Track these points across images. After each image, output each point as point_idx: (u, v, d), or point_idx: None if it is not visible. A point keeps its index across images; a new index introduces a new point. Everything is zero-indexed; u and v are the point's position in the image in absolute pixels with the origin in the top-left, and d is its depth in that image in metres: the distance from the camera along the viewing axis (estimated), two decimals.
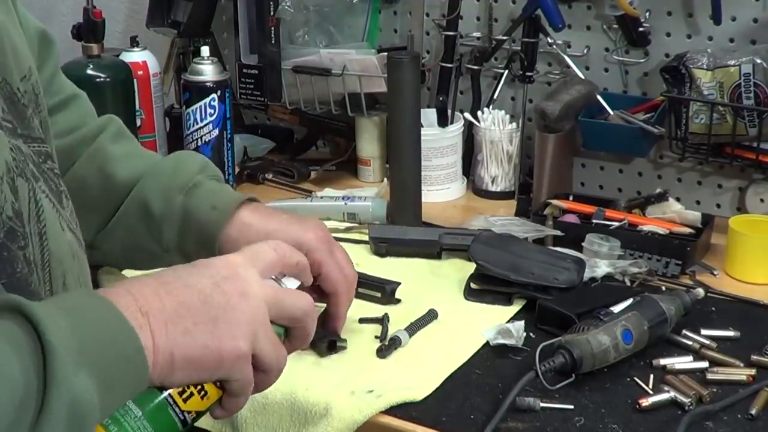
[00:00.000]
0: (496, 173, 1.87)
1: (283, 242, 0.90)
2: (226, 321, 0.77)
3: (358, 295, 1.38)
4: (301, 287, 0.93)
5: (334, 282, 1.14)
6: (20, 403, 0.62)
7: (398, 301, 1.42)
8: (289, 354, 0.86)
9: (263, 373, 0.82)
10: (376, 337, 1.33)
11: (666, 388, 1.20)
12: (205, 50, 1.83)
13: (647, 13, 1.73)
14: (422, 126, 1.71)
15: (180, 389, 0.78)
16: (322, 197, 1.80)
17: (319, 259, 1.11)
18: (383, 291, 1.42)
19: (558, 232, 1.59)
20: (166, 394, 0.78)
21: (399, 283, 1.44)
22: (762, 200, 1.72)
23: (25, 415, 0.63)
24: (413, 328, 1.34)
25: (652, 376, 1.23)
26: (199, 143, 1.82)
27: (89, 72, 1.85)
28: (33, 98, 0.87)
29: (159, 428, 0.78)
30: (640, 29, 1.74)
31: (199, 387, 0.79)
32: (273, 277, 0.89)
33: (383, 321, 1.36)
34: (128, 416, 0.76)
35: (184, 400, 0.79)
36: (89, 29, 1.86)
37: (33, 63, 0.90)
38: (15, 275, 0.75)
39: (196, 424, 0.82)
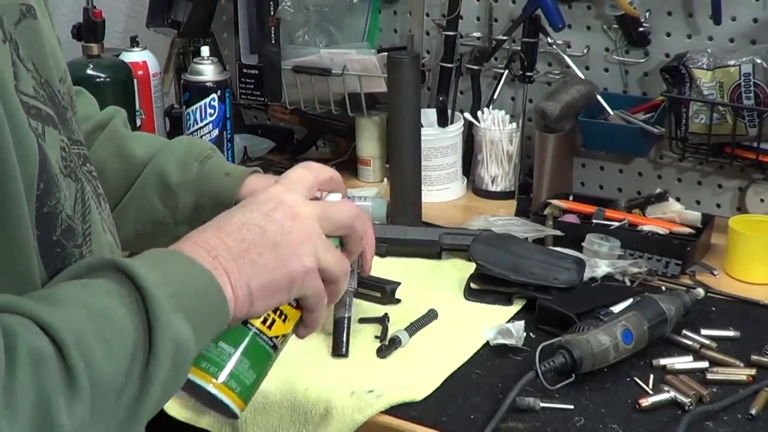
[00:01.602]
0: (496, 173, 1.87)
1: (312, 162, 0.96)
2: (286, 244, 0.83)
3: (358, 295, 1.38)
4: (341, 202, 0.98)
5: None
6: (134, 348, 0.68)
7: (398, 301, 1.42)
8: (351, 262, 0.91)
9: (332, 284, 0.87)
10: (376, 337, 1.33)
11: (666, 388, 1.20)
12: (205, 50, 1.83)
13: (647, 13, 1.73)
14: (422, 126, 1.71)
15: (262, 319, 0.84)
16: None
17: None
18: (383, 291, 1.42)
19: (558, 232, 1.59)
20: (252, 327, 0.84)
21: (399, 283, 1.44)
22: (762, 200, 1.72)
23: (138, 358, 0.68)
24: (413, 328, 1.34)
25: (652, 376, 1.23)
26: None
27: (89, 72, 1.85)
28: (69, 100, 0.88)
29: (254, 360, 0.83)
30: (640, 29, 1.74)
31: (278, 312, 0.85)
32: (315, 196, 0.94)
33: (383, 321, 1.36)
34: (223, 354, 0.82)
35: (269, 327, 0.84)
36: (89, 29, 1.86)
37: (65, 64, 0.90)
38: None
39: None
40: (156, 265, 0.75)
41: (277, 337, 0.85)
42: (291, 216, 0.85)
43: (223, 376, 0.82)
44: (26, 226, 0.72)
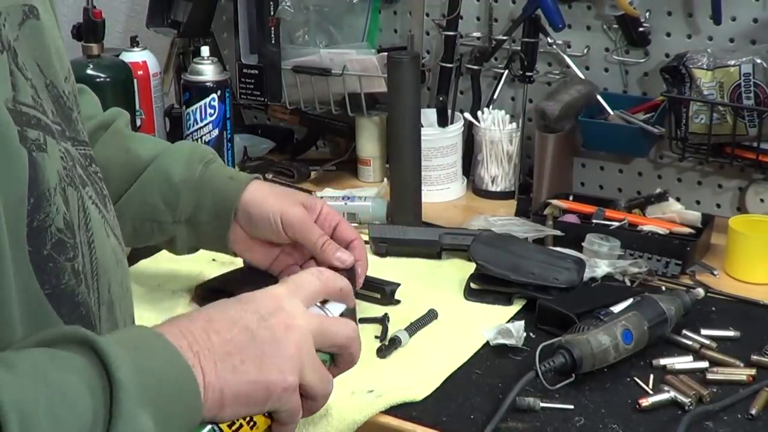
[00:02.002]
0: (496, 173, 1.87)
1: (326, 269, 0.93)
2: (272, 356, 0.79)
3: (358, 296, 1.38)
4: (346, 311, 0.95)
5: (351, 231, 1.27)
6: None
7: (398, 302, 1.42)
8: (335, 377, 0.89)
9: (311, 401, 0.84)
10: (376, 337, 1.33)
11: (666, 388, 1.20)
12: (205, 50, 1.83)
13: (647, 13, 1.73)
14: (422, 126, 1.71)
15: (229, 422, 0.79)
16: (322, 197, 1.80)
17: (333, 215, 1.27)
18: (383, 292, 1.42)
19: (558, 232, 1.58)
20: (216, 427, 0.78)
21: (398, 285, 1.44)
22: (762, 200, 1.72)
23: None
24: (413, 328, 1.34)
25: (652, 376, 1.23)
26: (199, 143, 1.82)
27: (89, 72, 1.85)
28: (74, 99, 0.87)
29: None
30: (640, 29, 1.74)
31: (248, 419, 0.80)
32: (318, 304, 0.90)
33: (383, 321, 1.36)
34: None
35: None
36: (89, 29, 1.86)
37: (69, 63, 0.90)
38: (60, 286, 0.75)
39: None
40: (135, 349, 0.72)
41: None
42: (285, 326, 0.82)
43: None
44: (5, 245, 0.69)
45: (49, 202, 0.74)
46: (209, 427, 0.78)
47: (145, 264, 1.52)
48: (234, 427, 0.80)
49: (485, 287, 1.46)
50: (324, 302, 0.92)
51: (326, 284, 0.91)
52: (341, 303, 0.94)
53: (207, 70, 1.80)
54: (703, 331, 1.33)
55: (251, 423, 0.81)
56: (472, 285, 1.47)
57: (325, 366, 0.87)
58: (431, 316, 1.38)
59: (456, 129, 1.88)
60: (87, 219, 0.80)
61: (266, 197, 1.25)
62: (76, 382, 0.66)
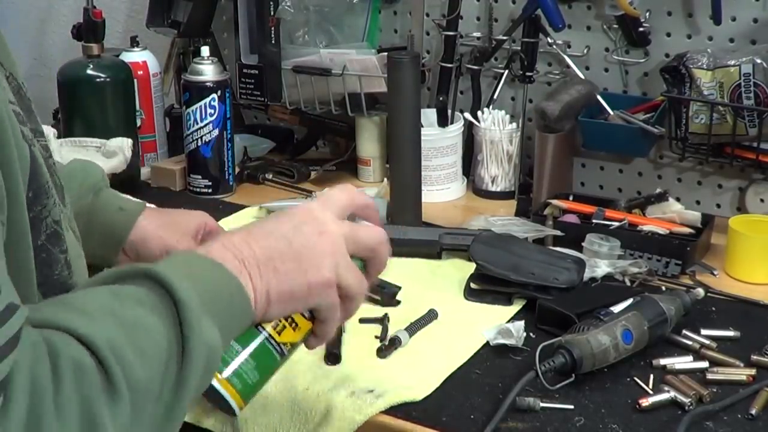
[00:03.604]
0: (496, 173, 1.87)
1: (351, 185, 0.98)
2: (309, 257, 0.85)
3: None
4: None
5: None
6: (167, 356, 0.71)
7: (398, 302, 1.42)
8: (369, 285, 0.93)
9: (348, 300, 0.89)
10: (376, 337, 1.33)
11: (666, 388, 1.20)
12: (205, 50, 1.83)
13: (647, 13, 1.73)
14: (422, 126, 1.71)
15: (273, 324, 0.86)
16: None
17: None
18: (382, 295, 1.41)
19: (558, 232, 1.59)
20: (263, 331, 0.86)
21: (399, 288, 1.44)
22: (762, 200, 1.72)
23: (172, 365, 0.72)
24: (413, 328, 1.34)
25: (652, 376, 1.23)
26: (199, 143, 1.82)
27: (89, 72, 1.85)
28: (26, 89, 0.89)
29: (260, 362, 0.86)
30: (640, 29, 1.74)
31: (290, 320, 0.87)
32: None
33: (383, 321, 1.36)
34: (230, 351, 0.84)
35: (279, 333, 0.87)
36: (89, 29, 1.86)
37: None
38: (53, 277, 0.79)
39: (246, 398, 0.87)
40: (187, 271, 0.78)
41: (285, 344, 0.88)
42: (318, 231, 0.87)
43: (227, 372, 0.84)
44: (27, 230, 0.74)
45: (47, 195, 0.77)
46: (260, 332, 0.86)
47: None
48: (278, 329, 0.87)
49: (485, 287, 1.46)
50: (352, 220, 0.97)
51: (353, 198, 0.94)
52: (367, 221, 0.97)
53: (207, 70, 1.80)
54: (703, 331, 1.33)
55: (293, 324, 0.88)
56: (472, 285, 1.47)
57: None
58: (431, 316, 1.38)
59: (456, 129, 1.88)
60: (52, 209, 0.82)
61: (155, 231, 1.24)
62: (145, 314, 0.72)
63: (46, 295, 0.78)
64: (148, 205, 1.28)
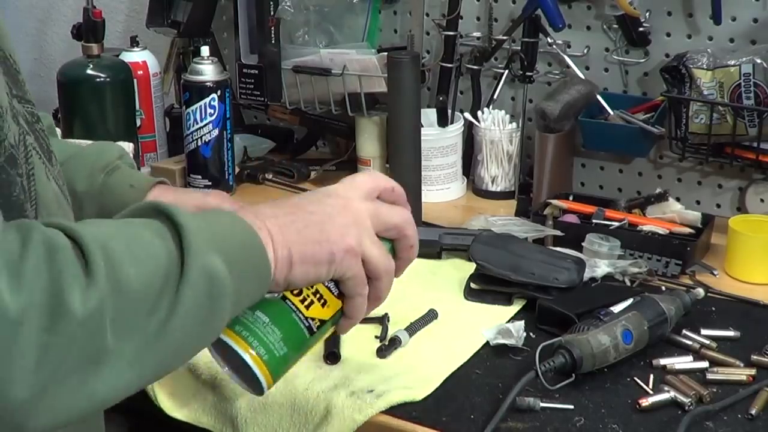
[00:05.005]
0: (496, 173, 1.87)
1: (377, 171, 0.95)
2: (332, 224, 0.86)
3: None
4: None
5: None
6: (165, 271, 0.71)
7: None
8: (399, 270, 0.93)
9: (376, 279, 0.89)
10: (376, 337, 1.33)
11: (666, 388, 1.20)
12: (205, 50, 1.83)
13: (647, 13, 1.73)
14: (422, 126, 1.71)
15: (300, 297, 0.86)
16: None
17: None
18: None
19: (558, 232, 1.59)
20: (289, 302, 0.85)
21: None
22: (762, 200, 1.72)
23: (170, 282, 0.71)
24: (413, 328, 1.34)
25: (652, 376, 1.23)
26: (199, 143, 1.82)
27: (89, 72, 1.85)
28: (18, 63, 0.91)
29: (287, 332, 0.84)
30: (640, 29, 1.74)
31: (318, 295, 0.87)
32: None
33: (383, 321, 1.36)
34: (257, 322, 0.83)
35: (306, 307, 0.86)
36: (89, 29, 1.86)
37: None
38: (11, 198, 0.79)
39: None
40: (200, 213, 0.79)
41: (314, 319, 0.86)
42: (342, 206, 0.88)
43: (261, 348, 0.83)
44: None
45: (3, 118, 0.78)
46: (285, 302, 0.85)
47: None
48: (306, 303, 0.86)
49: (485, 287, 1.46)
50: None
51: (377, 182, 0.94)
52: (394, 204, 0.96)
53: (207, 70, 1.80)
54: (703, 331, 1.33)
55: (321, 300, 0.87)
56: (472, 285, 1.47)
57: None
58: (431, 316, 1.38)
59: (456, 129, 1.88)
60: (28, 155, 0.83)
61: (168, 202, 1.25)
62: (148, 234, 0.73)
63: (5, 214, 0.78)
64: (162, 181, 1.28)
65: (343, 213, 0.87)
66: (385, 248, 0.91)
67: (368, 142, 1.95)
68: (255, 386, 0.84)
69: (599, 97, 1.75)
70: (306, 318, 0.86)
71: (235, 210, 0.84)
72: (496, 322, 1.35)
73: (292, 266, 0.83)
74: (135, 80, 1.92)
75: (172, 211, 0.75)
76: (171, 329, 0.71)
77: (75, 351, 0.66)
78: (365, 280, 0.88)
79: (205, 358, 1.27)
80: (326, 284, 0.88)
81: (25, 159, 0.83)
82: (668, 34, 1.74)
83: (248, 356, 0.82)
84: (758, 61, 1.58)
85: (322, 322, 0.87)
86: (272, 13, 1.89)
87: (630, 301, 1.31)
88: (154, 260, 0.71)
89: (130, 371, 0.70)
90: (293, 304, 0.86)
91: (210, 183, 1.84)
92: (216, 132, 1.81)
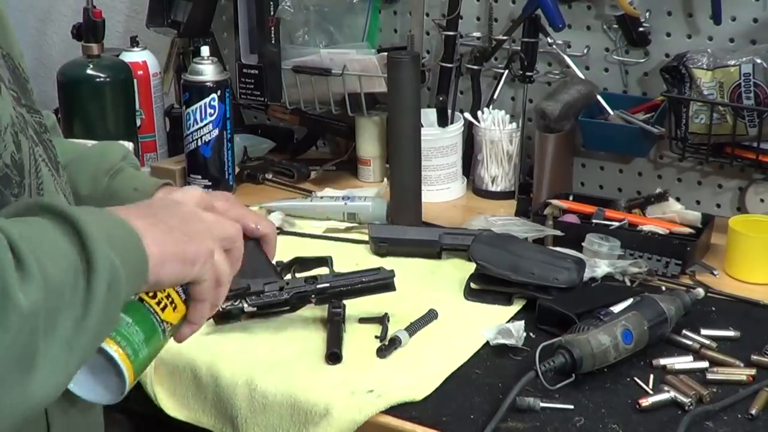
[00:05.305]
0: (496, 173, 1.87)
1: (196, 186, 1.02)
2: (193, 227, 0.88)
3: (360, 293, 1.36)
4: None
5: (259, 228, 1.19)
6: (74, 265, 0.71)
7: (394, 289, 1.38)
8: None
9: (219, 287, 0.90)
10: (376, 337, 1.33)
11: (666, 388, 1.20)
12: (205, 50, 1.83)
13: (647, 13, 1.73)
14: (422, 126, 1.71)
15: (156, 300, 0.86)
16: (322, 197, 1.80)
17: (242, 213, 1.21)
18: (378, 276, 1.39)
19: (558, 232, 1.59)
20: (147, 305, 0.86)
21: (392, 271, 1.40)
22: (762, 200, 1.72)
23: (79, 276, 0.71)
24: (413, 328, 1.34)
25: (652, 376, 1.23)
26: (199, 143, 1.82)
27: (89, 72, 1.85)
28: (27, 74, 0.91)
29: (147, 334, 0.85)
30: (640, 29, 1.74)
31: (170, 299, 0.88)
32: None
33: (383, 321, 1.36)
34: (122, 322, 0.83)
35: (162, 310, 0.87)
36: (89, 29, 1.87)
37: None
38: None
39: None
40: (81, 207, 0.78)
41: (167, 323, 0.87)
42: (193, 213, 0.91)
43: (128, 348, 0.83)
44: None
45: (1, 137, 0.78)
46: (144, 304, 0.86)
47: None
48: (161, 306, 0.87)
49: (485, 287, 1.46)
50: None
51: (203, 195, 1.00)
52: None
53: (207, 70, 1.80)
54: (703, 331, 1.33)
55: (173, 305, 0.88)
56: (472, 285, 1.47)
57: None
58: (431, 316, 1.38)
59: (456, 129, 1.88)
60: (37, 168, 0.84)
61: None
62: (50, 232, 0.73)
63: None
64: (167, 183, 1.26)
65: (196, 220, 0.89)
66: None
67: (368, 142, 1.96)
68: (113, 389, 0.84)
69: (599, 97, 1.75)
70: (162, 321, 0.87)
71: (105, 209, 0.84)
72: (496, 322, 1.35)
73: (164, 263, 0.83)
74: (135, 80, 1.92)
75: (63, 208, 0.75)
76: (86, 327, 0.72)
77: (17, 349, 0.66)
78: (214, 287, 0.90)
79: (206, 358, 1.28)
80: (176, 289, 0.89)
81: (36, 173, 0.83)
82: (668, 34, 1.74)
83: (117, 354, 0.82)
84: (758, 61, 1.58)
85: (172, 326, 0.89)
86: (272, 13, 1.89)
87: (630, 301, 1.31)
88: (65, 255, 0.71)
89: (58, 372, 0.70)
90: (151, 306, 0.86)
91: (210, 183, 1.84)
92: (216, 132, 1.81)
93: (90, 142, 1.78)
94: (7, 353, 0.65)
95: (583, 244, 1.53)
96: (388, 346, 1.30)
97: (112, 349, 0.81)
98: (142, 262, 0.80)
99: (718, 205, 1.77)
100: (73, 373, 0.73)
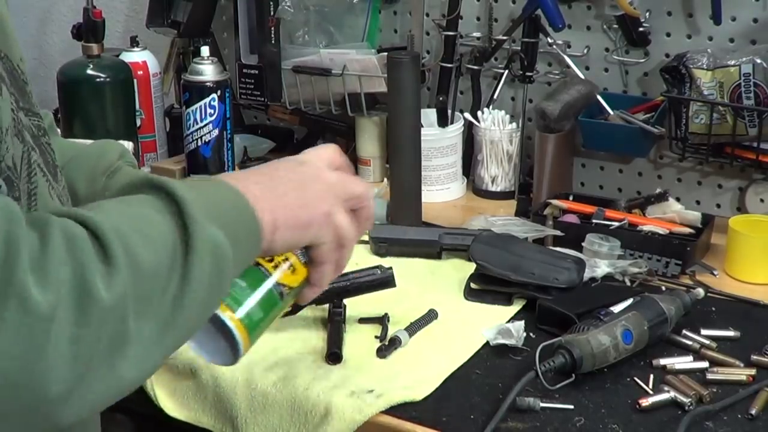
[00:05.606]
0: (496, 173, 1.87)
1: (332, 144, 1.00)
2: (311, 189, 0.88)
3: (357, 290, 1.36)
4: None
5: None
6: (172, 245, 0.72)
7: (394, 285, 1.39)
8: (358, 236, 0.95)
9: (342, 248, 0.91)
10: (376, 337, 1.33)
11: (666, 388, 1.20)
12: (205, 50, 1.83)
13: (647, 13, 1.73)
14: (422, 126, 1.71)
15: (273, 264, 0.87)
16: None
17: None
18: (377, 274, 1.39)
19: (558, 232, 1.59)
20: (262, 269, 0.87)
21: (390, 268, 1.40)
22: (762, 200, 1.72)
23: (177, 256, 0.72)
24: (413, 328, 1.34)
25: (652, 376, 1.23)
26: (199, 143, 1.82)
27: (89, 72, 1.85)
28: (27, 77, 0.90)
29: (263, 297, 0.85)
30: (640, 29, 1.74)
31: (288, 262, 0.88)
32: None
33: (383, 321, 1.36)
34: (235, 287, 0.84)
35: (280, 273, 0.87)
36: (89, 29, 1.86)
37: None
38: None
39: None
40: (190, 183, 0.80)
41: (285, 286, 0.87)
42: (315, 174, 0.90)
43: (241, 311, 0.83)
44: None
45: (2, 140, 0.77)
46: (259, 269, 0.86)
47: None
48: (278, 269, 0.87)
49: (485, 287, 1.46)
50: None
51: (337, 154, 0.96)
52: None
53: (207, 70, 1.80)
54: (703, 331, 1.33)
55: (291, 268, 0.88)
56: (472, 285, 1.47)
57: None
58: (431, 316, 1.38)
59: (456, 129, 1.88)
60: (31, 173, 0.83)
61: None
62: (149, 211, 0.74)
63: None
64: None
65: (317, 181, 0.89)
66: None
67: (368, 142, 1.95)
68: (229, 352, 0.84)
69: (599, 97, 1.75)
70: (278, 284, 0.87)
71: (217, 178, 0.85)
72: (496, 322, 1.35)
73: (276, 231, 0.83)
74: (135, 80, 1.92)
75: (168, 184, 0.76)
76: (185, 304, 0.72)
77: (104, 340, 0.66)
78: (335, 249, 0.90)
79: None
80: (295, 252, 0.89)
81: (29, 178, 0.83)
82: (668, 34, 1.74)
83: (229, 319, 0.83)
84: (758, 61, 1.58)
85: (290, 289, 0.89)
86: (272, 13, 1.89)
87: (630, 301, 1.31)
88: (162, 238, 0.72)
89: (152, 351, 0.70)
90: (267, 270, 0.87)
91: None
92: (216, 132, 1.81)
93: (89, 142, 1.79)
94: (95, 344, 0.66)
95: (583, 244, 1.53)
96: (388, 346, 1.30)
97: (226, 315, 0.82)
98: (254, 232, 0.81)
99: (718, 205, 1.77)
100: (174, 347, 0.74)
